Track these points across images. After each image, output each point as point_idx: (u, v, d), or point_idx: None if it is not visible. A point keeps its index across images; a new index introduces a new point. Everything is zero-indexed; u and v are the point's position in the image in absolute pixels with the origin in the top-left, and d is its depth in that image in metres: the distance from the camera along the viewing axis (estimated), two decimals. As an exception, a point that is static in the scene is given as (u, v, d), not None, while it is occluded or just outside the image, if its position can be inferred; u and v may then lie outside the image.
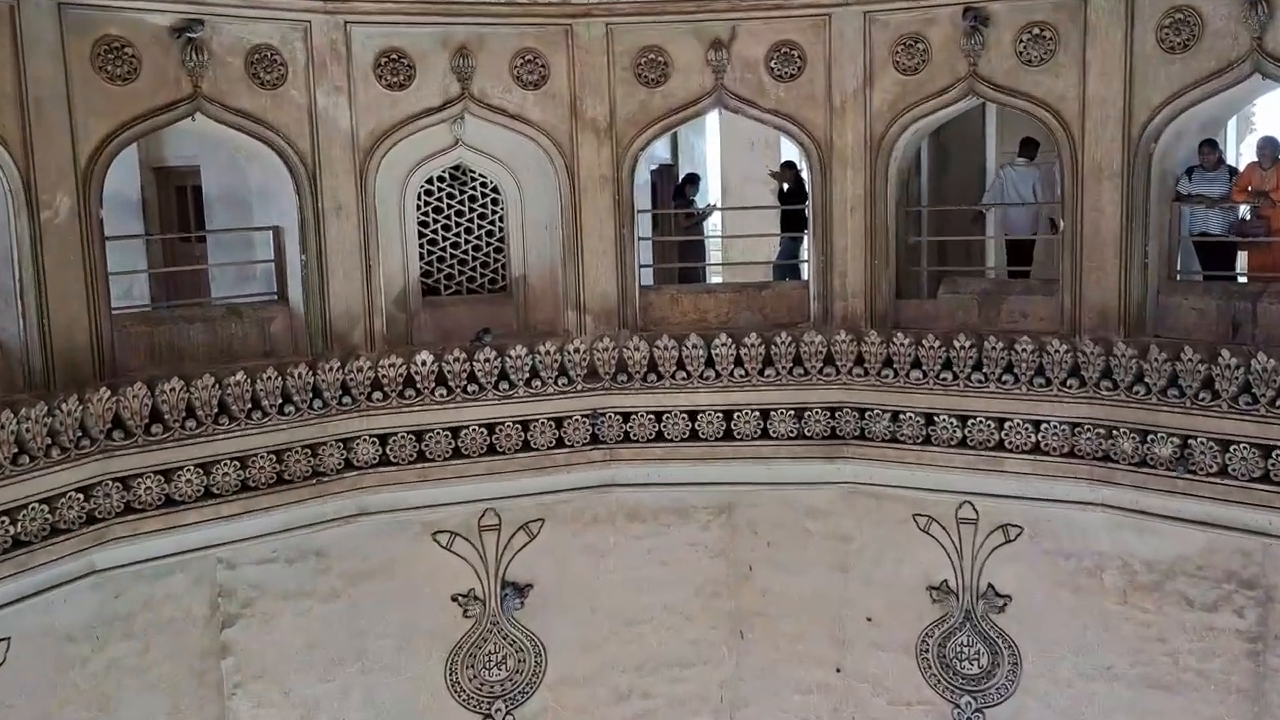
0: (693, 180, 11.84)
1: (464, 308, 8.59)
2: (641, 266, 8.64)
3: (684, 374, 8.34)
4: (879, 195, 8.23)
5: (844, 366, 8.28)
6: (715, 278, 11.14)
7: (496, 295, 8.76)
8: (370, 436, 7.87)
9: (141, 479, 7.03)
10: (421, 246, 8.55)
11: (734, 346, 8.30)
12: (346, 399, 7.79)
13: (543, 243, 8.61)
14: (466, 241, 8.73)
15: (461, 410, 8.07)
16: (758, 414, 8.35)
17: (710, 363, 8.33)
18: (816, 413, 8.33)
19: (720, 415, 8.37)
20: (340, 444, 7.78)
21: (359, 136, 7.78)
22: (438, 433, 8.02)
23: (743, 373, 8.32)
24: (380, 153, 7.87)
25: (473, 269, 8.79)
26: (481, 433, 8.11)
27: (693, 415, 8.38)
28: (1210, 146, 8.21)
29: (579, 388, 8.30)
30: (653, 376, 8.36)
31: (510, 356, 8.17)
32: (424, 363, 7.97)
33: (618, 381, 8.36)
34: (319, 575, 7.93)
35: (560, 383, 8.27)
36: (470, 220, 8.70)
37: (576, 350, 8.33)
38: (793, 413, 8.33)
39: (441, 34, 7.85)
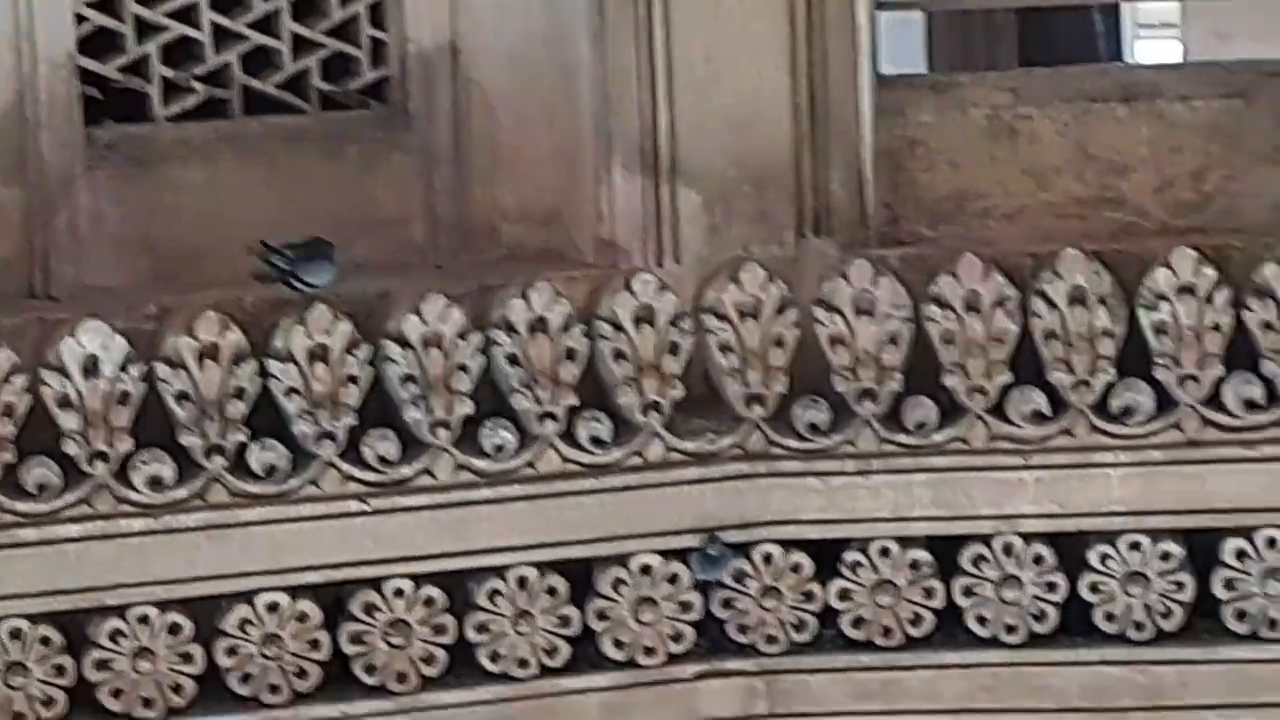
0: None
1: (237, 165, 7.25)
2: (881, 7, 7.37)
3: (1041, 403, 6.70)
4: None
5: None
6: (1155, 45, 10.26)
7: (354, 120, 7.40)
8: None
9: None
10: None
11: (1227, 298, 6.64)
12: None
13: None
14: None
15: (233, 539, 6.74)
16: None
17: (1137, 361, 6.64)
18: None
19: (1174, 552, 6.64)
20: None
21: None
22: (145, 622, 6.55)
23: (1258, 396, 6.58)
24: None
25: (264, 27, 7.36)
26: (302, 618, 6.59)
27: (1072, 551, 6.71)
28: None
29: (658, 455, 6.85)
30: (924, 411, 6.75)
31: (406, 345, 6.73)
32: (93, 366, 6.58)
33: (798, 431, 6.82)
34: None
35: (590, 437, 6.80)
36: None
37: (648, 317, 6.91)
38: None
39: None
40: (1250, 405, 6.61)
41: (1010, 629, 6.80)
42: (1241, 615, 6.64)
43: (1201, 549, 6.67)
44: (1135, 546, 6.67)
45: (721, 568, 6.80)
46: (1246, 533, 6.59)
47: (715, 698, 6.85)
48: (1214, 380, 6.62)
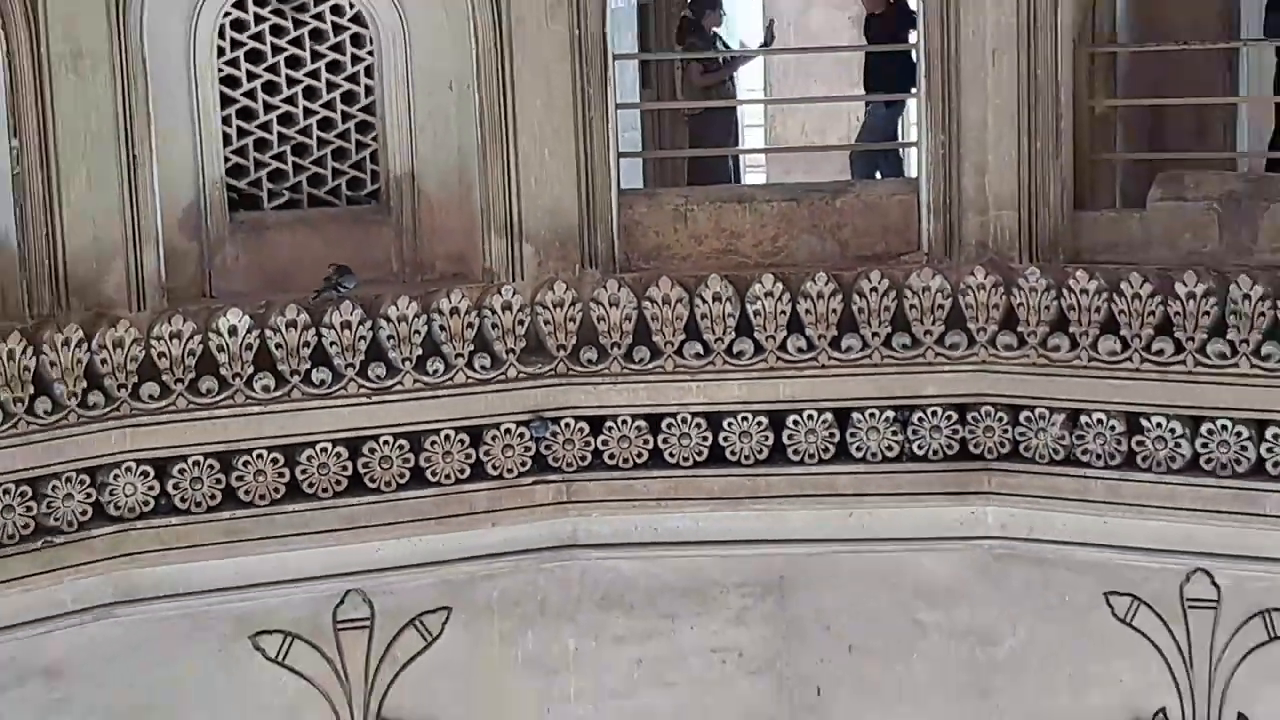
0: (712, 2, 11.86)
1: (305, 232, 8.48)
2: (622, 156, 8.53)
3: (699, 349, 8.23)
4: (1043, 27, 8.03)
5: (983, 333, 8.18)
6: (755, 176, 11.28)
7: (362, 210, 8.64)
8: (138, 464, 7.76)
9: None
10: (228, 124, 8.33)
11: (787, 298, 8.18)
12: (95, 397, 7.66)
13: (444, 115, 8.47)
14: (308, 114, 8.49)
15: (302, 416, 7.97)
16: (829, 418, 8.24)
17: (745, 327, 8.25)
18: (936, 415, 8.23)
19: (764, 421, 8.27)
20: (84, 477, 7.64)
21: (109, -75, 8.22)
22: (260, 457, 7.94)
23: (803, 345, 8.19)
24: (149, -43, 8.24)
25: (318, 163, 8.56)
26: (338, 456, 8.04)
27: (714, 422, 8.32)
28: None
29: (512, 374, 8.23)
30: (643, 353, 8.26)
31: (389, 319, 8.06)
32: (233, 330, 7.86)
33: (581, 363, 8.30)
34: (50, 712, 7.74)
35: (480, 365, 8.19)
36: (314, 75, 8.47)
37: (508, 306, 8.24)
38: (892, 414, 8.26)
39: None
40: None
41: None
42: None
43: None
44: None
45: None
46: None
47: None
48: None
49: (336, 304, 8.08)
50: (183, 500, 7.82)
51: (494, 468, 8.28)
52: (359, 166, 8.63)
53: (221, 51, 8.27)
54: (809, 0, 13.16)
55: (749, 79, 12.51)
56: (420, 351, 8.14)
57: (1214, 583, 7.92)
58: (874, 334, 8.23)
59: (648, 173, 9.46)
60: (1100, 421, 7.99)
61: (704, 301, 8.28)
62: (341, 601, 8.19)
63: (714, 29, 11.55)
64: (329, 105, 8.56)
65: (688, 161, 10.22)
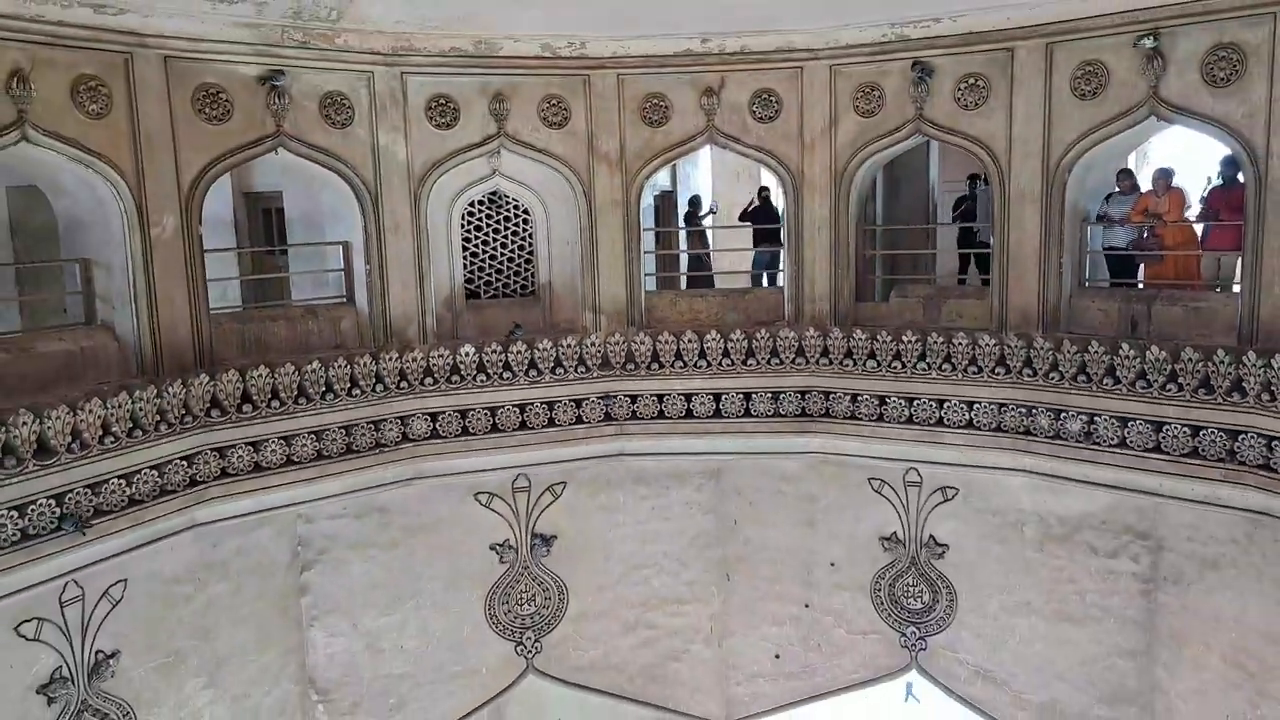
0: (698, 201, 11.70)
1: (500, 309, 8.37)
2: (646, 275, 8.41)
3: (681, 363, 8.15)
4: (841, 216, 8.06)
5: (812, 357, 8.11)
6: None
7: (527, 298, 8.53)
8: (423, 414, 7.70)
9: (234, 449, 6.89)
10: (465, 258, 8.36)
11: (722, 341, 8.12)
12: (403, 383, 7.64)
13: (565, 255, 8.40)
14: (502, 254, 8.50)
15: (498, 393, 7.87)
16: (741, 396, 8.16)
17: (703, 354, 8.14)
18: (789, 395, 8.12)
19: (711, 397, 8.18)
20: (398, 420, 7.60)
21: (413, 167, 7.57)
22: (478, 411, 7.85)
23: (729, 362, 8.13)
24: (431, 181, 7.65)
25: (507, 277, 8.54)
26: (514, 411, 7.94)
27: (688, 397, 8.18)
28: (1125, 175, 8.16)
29: (594, 375, 8.10)
30: (655, 365, 8.15)
31: (538, 349, 8.01)
32: (467, 354, 7.82)
33: (626, 370, 8.16)
34: (381, 528, 7.71)
35: (579, 370, 8.10)
36: (505, 237, 8.48)
37: (593, 344, 8.15)
38: (770, 395, 8.15)
39: (481, 83, 7.68)
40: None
41: None
42: None
43: None
44: None
45: None
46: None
47: None
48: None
49: (514, 342, 7.89)
50: (443, 431, 7.63)
51: (586, 418, 8.05)
52: (526, 279, 8.48)
53: (462, 226, 8.24)
54: (732, 204, 12.64)
55: (708, 232, 11.92)
56: (553, 363, 7.94)
57: (919, 474, 7.87)
58: (762, 358, 8.06)
59: (658, 282, 8.89)
60: (867, 399, 7.82)
61: (684, 343, 8.05)
62: (516, 478, 7.98)
63: (703, 215, 11.50)
64: (512, 252, 8.45)
65: (687, 276, 9.79)
